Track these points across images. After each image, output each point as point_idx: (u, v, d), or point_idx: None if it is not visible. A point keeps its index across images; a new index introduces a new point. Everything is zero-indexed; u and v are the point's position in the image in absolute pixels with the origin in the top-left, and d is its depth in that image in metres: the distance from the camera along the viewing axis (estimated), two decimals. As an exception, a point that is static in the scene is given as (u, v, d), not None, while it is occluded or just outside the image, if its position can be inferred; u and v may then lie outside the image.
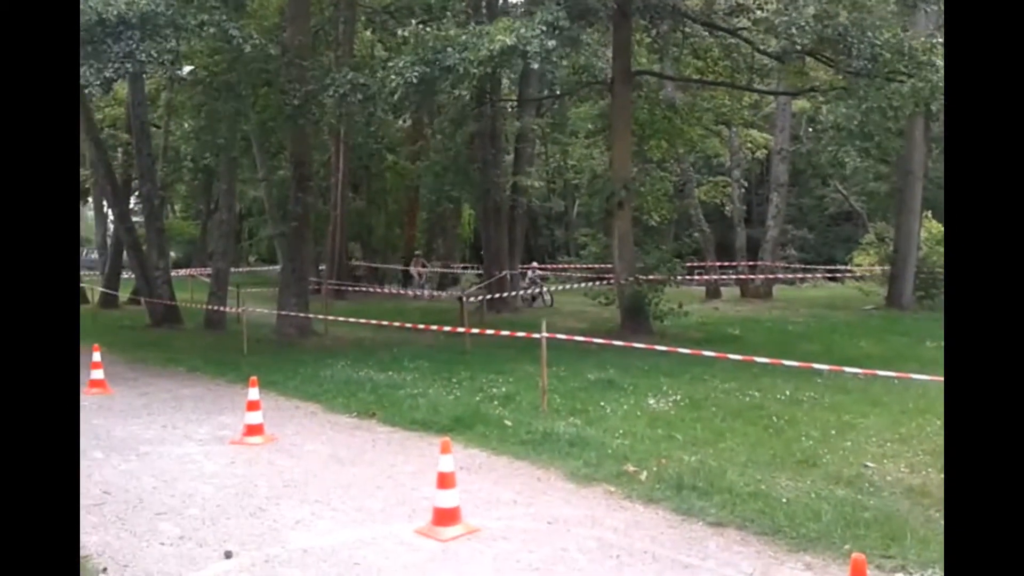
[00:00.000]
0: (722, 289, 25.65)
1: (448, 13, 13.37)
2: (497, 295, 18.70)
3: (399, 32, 13.98)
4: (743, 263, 26.43)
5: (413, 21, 12.94)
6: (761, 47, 15.90)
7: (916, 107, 12.64)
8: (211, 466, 6.69)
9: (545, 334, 8.60)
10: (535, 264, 26.56)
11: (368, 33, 23.73)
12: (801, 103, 22.26)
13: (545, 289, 23.39)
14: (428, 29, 12.69)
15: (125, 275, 24.25)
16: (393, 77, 11.85)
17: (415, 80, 11.70)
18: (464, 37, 11.91)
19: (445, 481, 5.06)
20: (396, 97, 12.24)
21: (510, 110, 22.26)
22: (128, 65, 10.78)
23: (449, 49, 11.69)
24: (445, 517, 5.03)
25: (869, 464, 6.37)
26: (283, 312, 15.05)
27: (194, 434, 7.87)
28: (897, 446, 6.93)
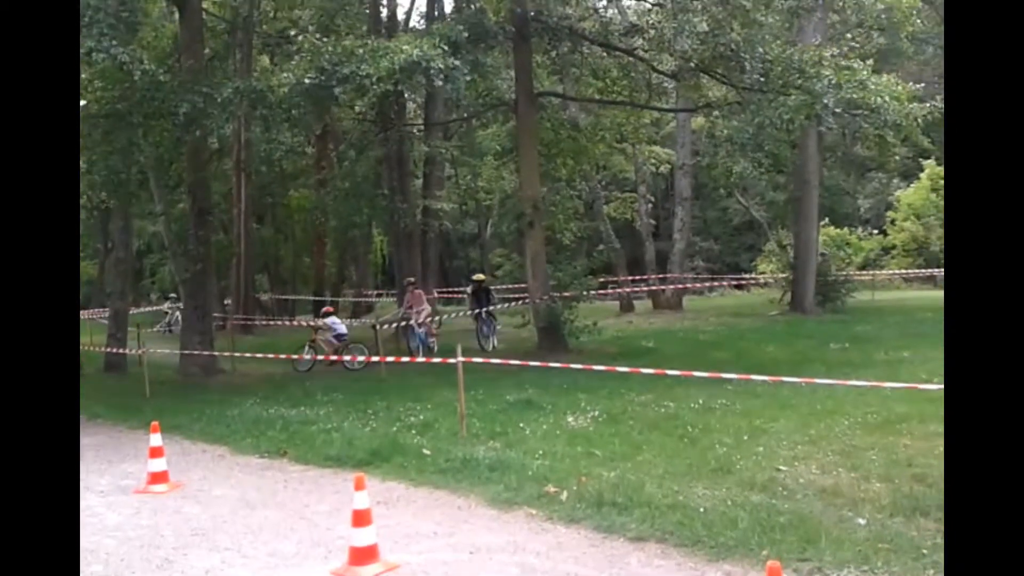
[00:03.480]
0: (635, 302, 26.07)
1: (343, 31, 13.25)
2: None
3: (294, 41, 13.75)
4: (653, 276, 26.96)
5: (307, 35, 12.71)
6: (657, 66, 16.34)
7: (807, 119, 13.18)
8: (114, 518, 6.34)
9: (461, 359, 8.52)
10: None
11: (266, 60, 23.31)
12: (700, 119, 22.95)
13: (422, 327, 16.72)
14: (324, 40, 12.48)
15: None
16: (285, 76, 11.67)
17: (307, 82, 11.51)
18: (361, 50, 11.81)
19: (361, 519, 4.90)
20: (286, 105, 12.04)
21: (417, 133, 22.16)
22: None
23: (345, 60, 11.57)
24: (362, 556, 4.86)
25: (781, 468, 6.51)
26: (186, 351, 14.49)
27: (95, 485, 7.45)
28: (807, 448, 7.11)
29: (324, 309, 16.99)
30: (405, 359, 13.15)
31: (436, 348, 15.66)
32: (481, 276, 19.58)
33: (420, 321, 16.16)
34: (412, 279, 18.48)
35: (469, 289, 19.07)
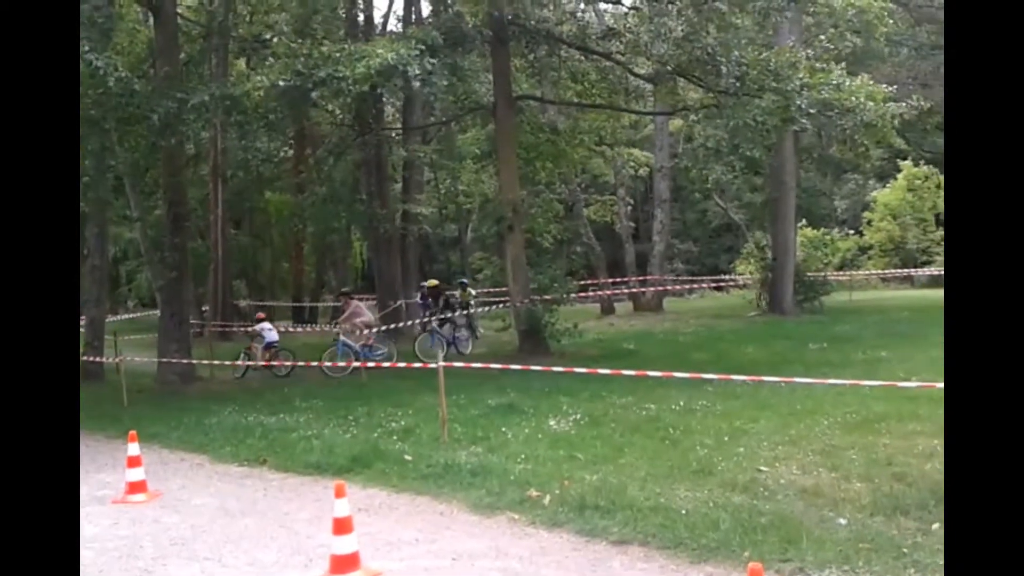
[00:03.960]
0: (615, 304, 26.16)
1: (320, 35, 13.20)
2: (393, 325, 18.41)
3: (270, 45, 13.65)
4: (634, 278, 27.07)
5: (283, 38, 12.66)
6: (634, 70, 16.40)
7: (783, 122, 13.29)
8: (91, 529, 6.21)
9: (442, 363, 8.49)
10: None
11: (243, 64, 23.16)
12: (677, 122, 23.08)
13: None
14: (300, 43, 12.42)
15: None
16: (260, 80, 11.60)
17: (282, 84, 11.46)
18: (338, 54, 11.77)
19: (342, 526, 4.85)
20: (263, 110, 11.98)
21: (395, 137, 22.11)
22: None
23: (322, 63, 11.53)
24: (343, 564, 4.81)
25: (762, 468, 6.54)
26: (164, 359, 14.33)
27: (70, 497, 7.33)
28: (788, 448, 7.15)
29: (257, 315, 17.10)
30: (386, 363, 13.08)
31: (391, 354, 14.70)
32: (434, 281, 18.68)
33: (351, 331, 15.45)
34: (346, 289, 18.30)
35: (418, 296, 17.77)
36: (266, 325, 15.97)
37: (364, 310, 16.33)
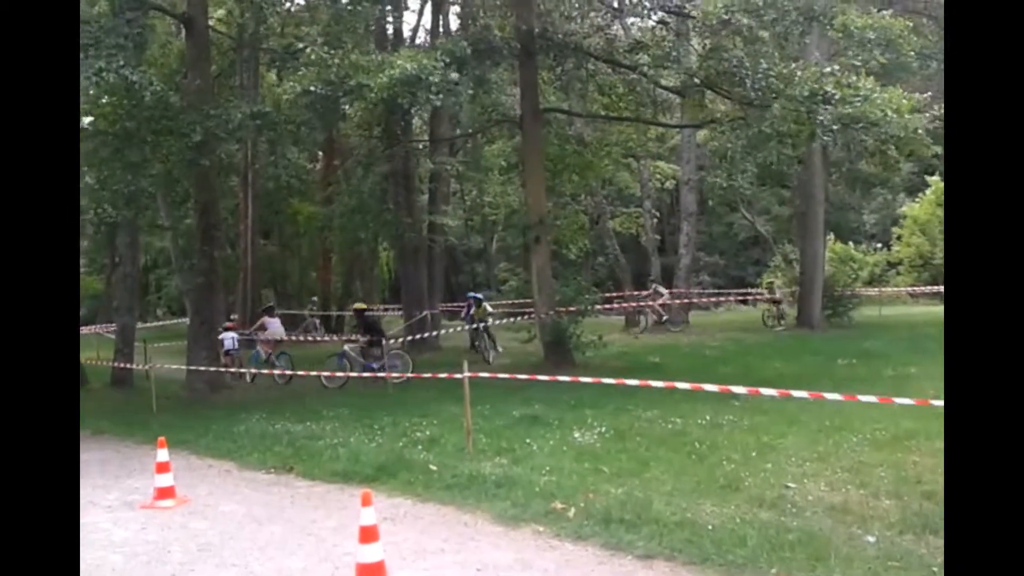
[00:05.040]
0: (640, 318, 26.03)
1: (350, 47, 13.39)
2: (419, 335, 18.49)
3: (301, 56, 13.86)
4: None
5: (315, 47, 12.84)
6: (661, 82, 16.40)
7: (810, 137, 13.20)
8: (121, 533, 6.32)
9: (467, 374, 8.51)
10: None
11: (273, 76, 23.48)
12: (704, 134, 23.02)
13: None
14: (332, 52, 12.61)
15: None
16: (291, 86, 11.80)
17: (312, 90, 11.64)
18: (366, 63, 11.93)
19: (368, 535, 4.88)
20: (294, 123, 12.17)
21: (422, 149, 22.27)
22: None
23: (352, 73, 11.70)
24: (369, 573, 4.83)
25: (790, 485, 6.47)
26: (193, 367, 14.50)
27: (101, 500, 7.44)
28: (816, 465, 7.07)
29: (225, 324, 17.67)
30: (411, 373, 13.09)
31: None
32: (361, 304, 17.15)
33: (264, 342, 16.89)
34: (271, 305, 18.79)
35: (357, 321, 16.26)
36: (229, 334, 16.94)
37: (274, 326, 17.31)
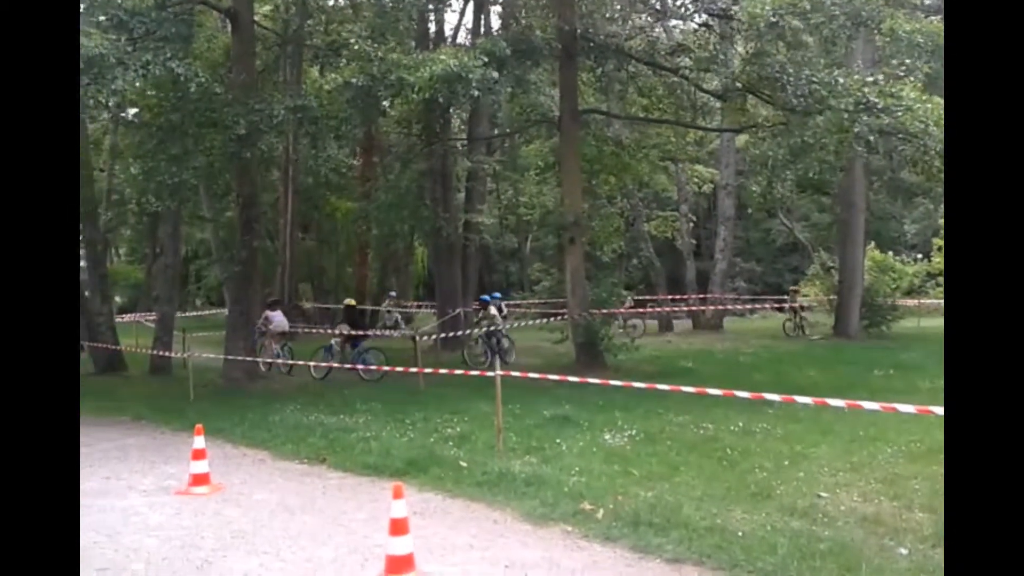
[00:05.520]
0: (674, 322, 25.90)
1: (392, 41, 13.51)
2: (452, 333, 18.58)
3: (344, 53, 13.98)
4: (693, 296, 26.78)
5: (360, 40, 12.98)
6: (702, 85, 16.29)
7: (842, 145, 13.02)
8: (156, 518, 6.45)
9: (499, 372, 8.53)
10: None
11: (316, 72, 23.74)
12: (744, 139, 22.81)
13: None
14: (375, 46, 12.74)
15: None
16: (333, 77, 11.93)
17: (354, 82, 11.76)
18: (407, 60, 12.03)
19: (398, 528, 4.93)
20: (335, 118, 12.29)
21: (460, 148, 22.37)
22: None
23: (394, 69, 11.81)
24: (399, 565, 4.89)
25: (822, 494, 6.41)
26: (230, 356, 14.74)
27: (138, 485, 7.60)
28: (849, 475, 7.00)
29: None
30: (444, 370, 13.14)
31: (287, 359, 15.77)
32: (351, 301, 17.50)
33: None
34: (275, 299, 18.82)
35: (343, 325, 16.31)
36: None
37: (277, 319, 17.09)
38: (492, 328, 16.86)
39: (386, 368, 14.08)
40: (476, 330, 17.38)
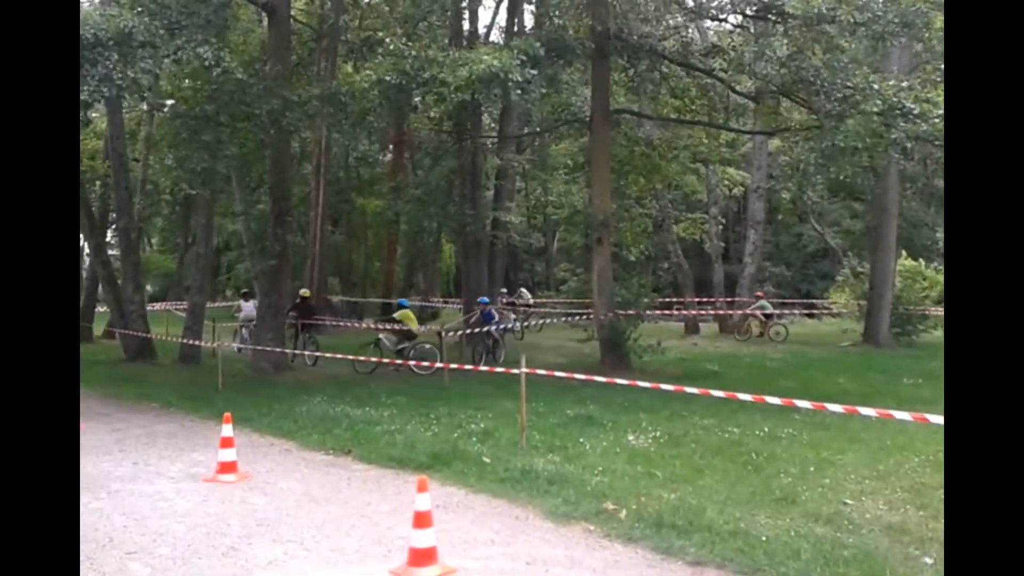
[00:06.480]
0: (701, 325, 25.74)
1: (426, 38, 13.57)
2: (478, 329, 18.62)
3: (378, 49, 14.10)
4: (721, 299, 26.59)
5: (393, 36, 13.07)
6: (736, 87, 16.18)
7: (873, 153, 12.87)
8: (183, 504, 6.55)
9: (524, 370, 8.56)
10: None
11: (349, 67, 23.93)
12: (776, 142, 22.61)
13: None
14: (409, 43, 12.80)
15: (99, 308, 24.02)
16: (367, 74, 12.00)
17: (388, 79, 11.83)
18: (442, 58, 12.06)
19: (421, 520, 4.97)
20: (368, 106, 12.37)
21: (490, 146, 22.42)
22: (104, 89, 10.64)
23: (427, 66, 11.84)
24: (421, 557, 4.93)
25: (848, 501, 6.36)
26: (259, 347, 14.91)
27: (166, 471, 7.72)
28: (875, 483, 6.93)
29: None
30: (468, 366, 13.24)
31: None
32: (306, 292, 18.89)
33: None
34: (247, 291, 19.63)
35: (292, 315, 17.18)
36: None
37: (247, 309, 18.57)
38: (489, 328, 17.04)
39: (439, 364, 14.10)
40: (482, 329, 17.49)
